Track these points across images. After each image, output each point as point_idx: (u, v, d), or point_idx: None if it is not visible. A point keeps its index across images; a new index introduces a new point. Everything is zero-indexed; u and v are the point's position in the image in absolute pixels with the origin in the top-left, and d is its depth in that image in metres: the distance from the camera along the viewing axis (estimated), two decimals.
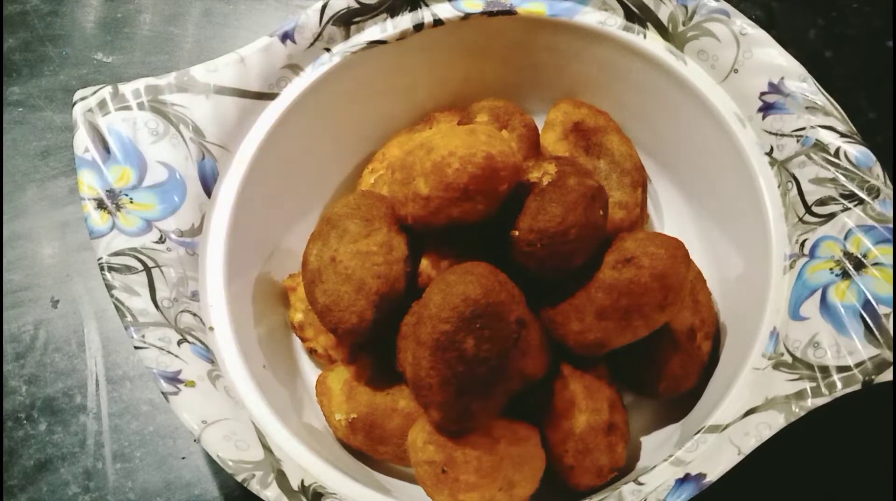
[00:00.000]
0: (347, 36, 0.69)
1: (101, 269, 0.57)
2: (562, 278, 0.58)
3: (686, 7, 0.67)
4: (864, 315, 0.53)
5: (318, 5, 0.68)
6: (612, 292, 0.56)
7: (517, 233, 0.56)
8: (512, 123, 0.67)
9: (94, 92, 0.63)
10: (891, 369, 0.51)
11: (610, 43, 0.70)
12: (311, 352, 0.68)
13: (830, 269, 0.56)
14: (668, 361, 0.61)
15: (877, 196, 0.56)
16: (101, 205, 0.59)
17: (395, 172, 0.62)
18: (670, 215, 0.74)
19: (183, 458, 0.68)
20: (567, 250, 0.56)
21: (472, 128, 0.60)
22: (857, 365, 0.51)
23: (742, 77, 0.65)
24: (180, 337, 0.57)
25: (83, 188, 0.60)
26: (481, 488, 0.56)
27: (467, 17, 0.71)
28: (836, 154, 0.59)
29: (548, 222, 0.56)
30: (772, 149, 0.63)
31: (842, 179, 0.58)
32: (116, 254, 0.58)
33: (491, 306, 0.53)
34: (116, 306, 0.56)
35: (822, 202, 0.58)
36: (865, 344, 0.52)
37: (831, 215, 0.57)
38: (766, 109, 0.63)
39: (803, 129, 0.61)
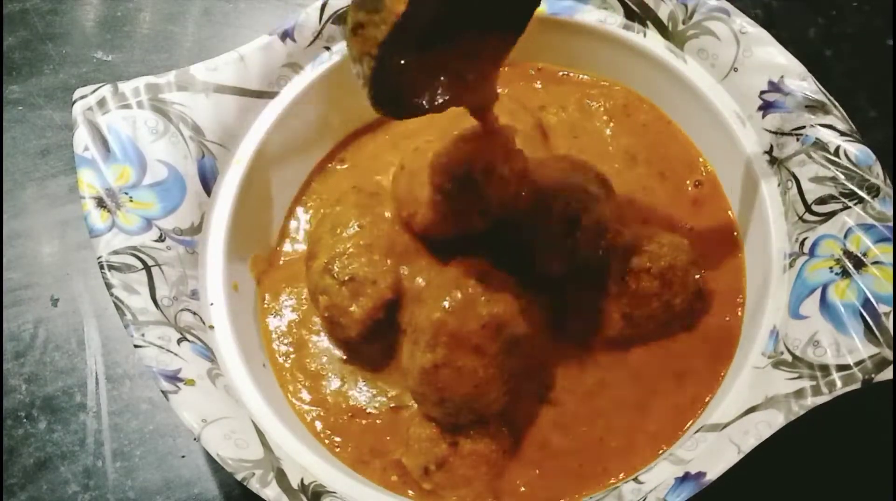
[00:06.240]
0: None
1: (101, 267, 0.57)
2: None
3: (686, 6, 0.67)
4: (864, 314, 0.53)
5: (318, 4, 0.68)
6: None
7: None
8: (518, 122, 0.67)
9: (94, 90, 0.63)
10: (890, 367, 0.51)
11: (610, 41, 0.70)
12: None
13: (830, 268, 0.56)
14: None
15: (877, 195, 0.56)
16: (100, 203, 0.59)
17: (400, 177, 0.63)
18: None
19: (183, 456, 0.68)
20: None
21: (477, 133, 0.60)
22: (857, 364, 0.51)
23: (742, 76, 0.65)
24: (180, 336, 0.57)
25: (83, 187, 0.60)
26: (474, 481, 0.57)
27: None
28: (836, 153, 0.59)
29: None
30: (772, 147, 0.63)
31: (842, 177, 0.58)
32: (116, 252, 0.58)
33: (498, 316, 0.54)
34: (116, 305, 0.56)
35: (822, 201, 0.58)
36: (865, 343, 0.52)
37: (831, 214, 0.57)
38: (766, 107, 0.63)
39: (803, 127, 0.61)
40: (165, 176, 0.62)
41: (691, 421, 0.59)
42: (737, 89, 0.65)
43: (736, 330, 0.62)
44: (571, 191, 0.60)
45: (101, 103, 0.62)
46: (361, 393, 0.62)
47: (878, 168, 0.57)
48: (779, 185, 0.62)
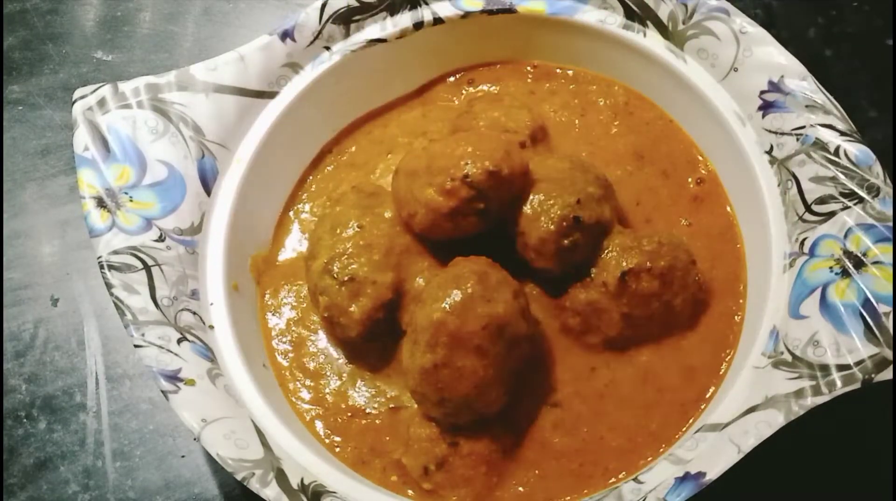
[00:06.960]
0: (347, 34, 0.69)
1: (101, 267, 0.57)
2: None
3: (686, 5, 0.67)
4: (864, 314, 0.53)
5: (318, 3, 0.68)
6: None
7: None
8: (518, 123, 0.67)
9: (94, 90, 0.63)
10: (890, 367, 0.51)
11: (610, 41, 0.70)
12: None
13: (830, 267, 0.56)
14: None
15: (877, 195, 0.56)
16: (100, 203, 0.59)
17: (400, 177, 0.63)
18: None
19: (183, 456, 0.68)
20: None
21: (480, 134, 0.60)
22: (857, 364, 0.51)
23: (742, 75, 0.65)
24: (180, 336, 0.57)
25: (83, 187, 0.60)
26: (474, 481, 0.57)
27: (467, 15, 0.71)
28: (836, 153, 0.59)
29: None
30: (772, 147, 0.63)
31: (842, 177, 0.58)
32: (116, 252, 0.58)
33: (499, 316, 0.54)
34: (116, 305, 0.56)
35: (821, 201, 0.58)
36: (865, 343, 0.52)
37: (831, 214, 0.57)
38: (766, 107, 0.63)
39: (803, 127, 0.61)
40: (165, 176, 0.62)
41: (692, 421, 0.59)
42: (737, 89, 0.65)
43: (736, 330, 0.62)
44: (571, 191, 0.60)
45: (101, 103, 0.62)
46: (361, 393, 0.62)
47: (878, 168, 0.57)
48: (779, 185, 0.62)
